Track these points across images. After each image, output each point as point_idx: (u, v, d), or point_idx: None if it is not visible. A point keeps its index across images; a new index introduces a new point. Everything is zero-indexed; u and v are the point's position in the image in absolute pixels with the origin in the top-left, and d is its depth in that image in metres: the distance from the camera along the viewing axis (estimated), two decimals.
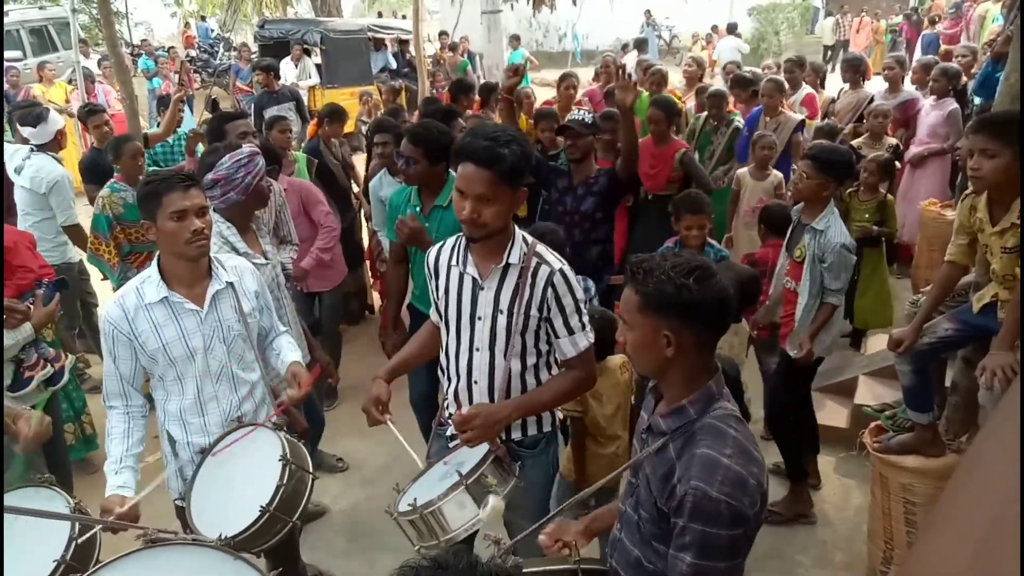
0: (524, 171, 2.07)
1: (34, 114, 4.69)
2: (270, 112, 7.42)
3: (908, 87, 6.68)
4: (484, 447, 2.06)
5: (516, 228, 2.20)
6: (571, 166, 3.95)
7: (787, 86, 6.36)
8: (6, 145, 4.94)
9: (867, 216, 4.77)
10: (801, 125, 5.80)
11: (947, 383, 3.41)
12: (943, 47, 11.90)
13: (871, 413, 3.36)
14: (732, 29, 15.68)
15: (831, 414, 4.34)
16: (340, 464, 4.10)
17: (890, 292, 5.01)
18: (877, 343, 4.95)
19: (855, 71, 6.60)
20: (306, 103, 11.26)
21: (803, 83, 6.66)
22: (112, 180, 4.34)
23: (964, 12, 13.08)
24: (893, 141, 5.58)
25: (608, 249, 4.00)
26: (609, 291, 3.92)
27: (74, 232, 4.69)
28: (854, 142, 5.57)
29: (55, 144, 4.76)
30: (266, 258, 2.96)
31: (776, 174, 5.13)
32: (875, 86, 7.21)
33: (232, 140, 3.56)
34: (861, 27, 18.72)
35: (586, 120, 3.87)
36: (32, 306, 3.09)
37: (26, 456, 2.59)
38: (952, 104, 5.95)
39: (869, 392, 4.37)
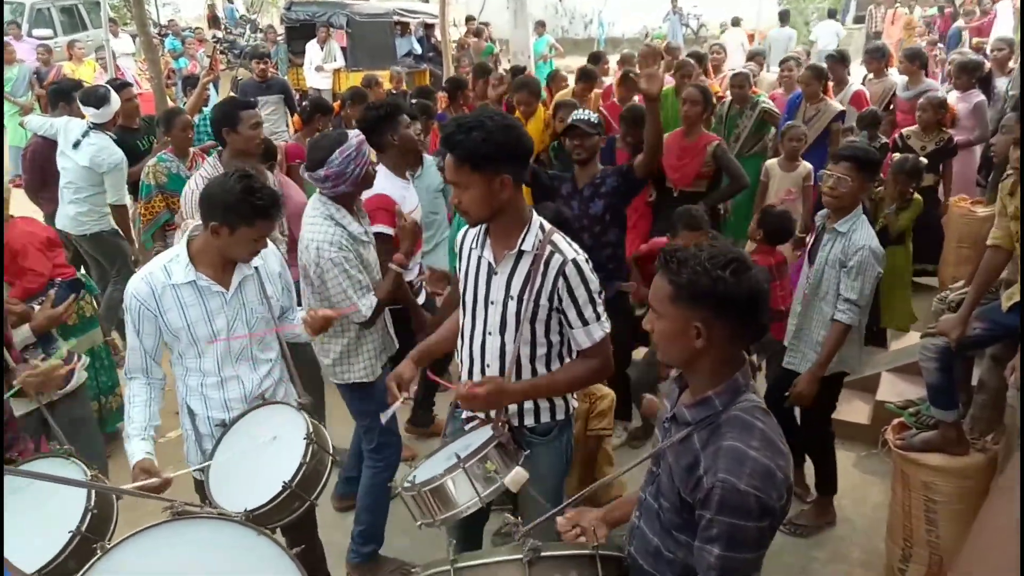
0: (490, 156, 2.01)
1: (98, 95, 4.80)
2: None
3: (927, 78, 6.57)
4: (489, 431, 2.07)
5: (535, 215, 2.19)
6: (575, 168, 3.76)
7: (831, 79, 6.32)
8: (53, 118, 5.10)
9: (901, 223, 4.61)
10: (841, 115, 5.73)
11: (974, 381, 3.36)
12: (974, 40, 11.67)
13: (894, 410, 3.32)
14: (832, 14, 15.32)
15: (852, 410, 4.30)
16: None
17: (910, 294, 4.85)
18: (901, 339, 4.89)
19: (879, 60, 6.52)
20: (331, 86, 11.32)
21: (847, 79, 6.43)
22: (162, 152, 4.48)
23: (988, 6, 12.79)
24: (947, 135, 5.35)
25: (619, 253, 3.81)
26: (617, 298, 3.71)
27: (120, 212, 4.94)
28: (904, 130, 5.43)
29: (111, 123, 4.90)
30: (368, 236, 2.95)
31: (805, 165, 5.05)
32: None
33: (244, 131, 3.55)
34: (895, 19, 18.34)
35: (592, 119, 3.68)
36: (39, 307, 3.08)
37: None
38: (978, 96, 5.85)
39: (892, 389, 4.32)
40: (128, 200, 5.18)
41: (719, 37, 19.30)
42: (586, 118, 3.68)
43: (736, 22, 15.24)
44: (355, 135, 2.86)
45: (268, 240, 2.61)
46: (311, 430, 2.14)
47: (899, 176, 4.45)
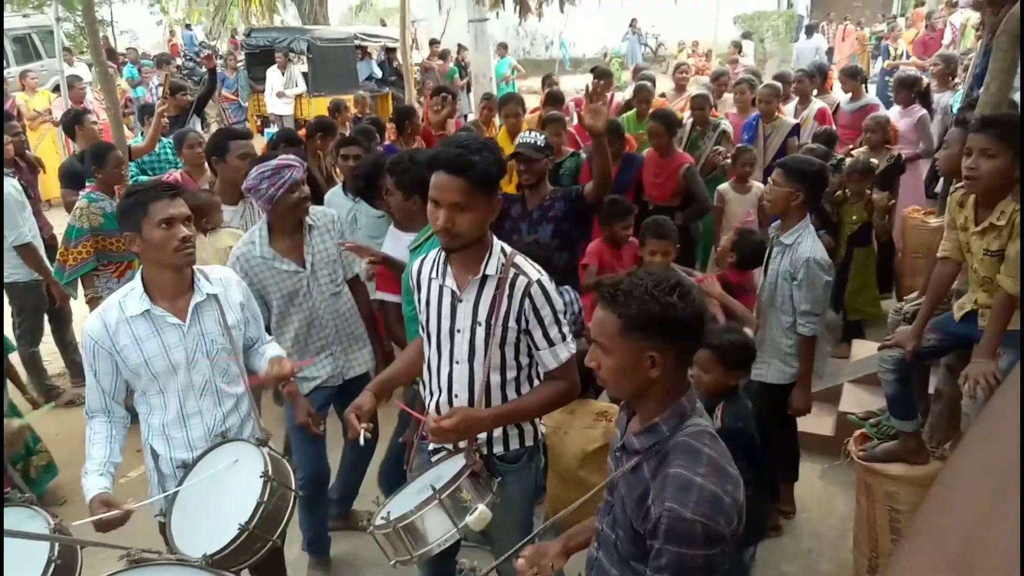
0: (497, 178, 2.09)
1: None
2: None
3: (868, 94, 6.85)
4: (461, 461, 2.05)
5: (494, 239, 2.19)
6: (525, 191, 3.74)
7: (792, 96, 6.59)
8: None
9: (855, 218, 4.91)
10: (796, 129, 5.92)
11: (931, 390, 3.43)
12: (913, 57, 12.11)
13: (855, 421, 3.37)
14: (810, 32, 15.97)
15: (816, 422, 4.34)
16: None
17: (874, 286, 5.14)
18: (862, 350, 4.98)
19: (812, 79, 6.78)
20: (293, 112, 11.28)
21: (812, 97, 6.64)
22: (88, 190, 4.25)
23: (935, 22, 13.26)
24: (895, 151, 5.57)
25: (570, 278, 3.71)
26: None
27: (24, 253, 4.42)
28: (855, 151, 5.62)
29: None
30: (303, 266, 2.97)
31: (758, 185, 5.17)
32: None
33: (233, 161, 3.59)
34: (846, 35, 18.90)
35: (538, 143, 3.66)
36: None
37: None
38: (920, 111, 6.08)
39: (854, 399, 4.39)
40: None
41: (677, 56, 19.76)
42: (531, 142, 3.67)
43: (809, 31, 15.81)
44: (283, 159, 2.91)
45: (232, 271, 2.59)
46: (269, 468, 2.10)
47: (853, 176, 4.82)
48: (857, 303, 5.09)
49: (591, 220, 3.87)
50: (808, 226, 3.20)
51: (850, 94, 6.75)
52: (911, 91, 6.11)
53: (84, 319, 2.37)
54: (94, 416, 2.33)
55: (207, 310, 2.36)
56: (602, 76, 6.85)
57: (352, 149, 4.60)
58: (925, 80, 6.69)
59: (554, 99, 6.62)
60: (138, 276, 2.32)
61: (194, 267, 2.37)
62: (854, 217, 4.90)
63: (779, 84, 6.29)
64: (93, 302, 4.18)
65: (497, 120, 6.50)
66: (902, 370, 2.90)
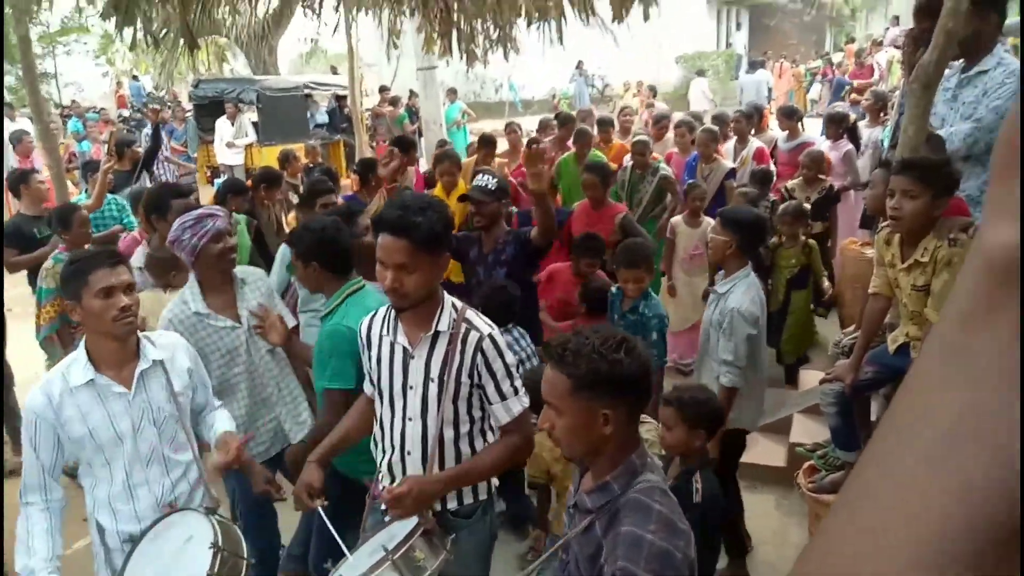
0: (442, 237, 2.10)
1: None
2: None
3: (804, 132, 7.16)
4: (414, 520, 2.05)
5: (445, 295, 2.22)
6: (480, 234, 3.81)
7: (731, 136, 6.86)
8: None
9: (793, 262, 5.02)
10: (732, 173, 6.13)
11: (874, 418, 3.55)
12: (852, 95, 12.75)
13: (803, 453, 3.47)
14: (754, 67, 16.78)
15: (768, 453, 4.44)
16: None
17: (812, 326, 5.25)
18: (810, 379, 5.12)
19: (752, 118, 7.14)
20: (243, 161, 11.23)
21: (750, 137, 6.90)
22: (57, 251, 4.26)
23: (864, 59, 13.98)
24: (828, 183, 5.84)
25: (525, 316, 3.75)
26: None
27: None
28: (788, 184, 5.87)
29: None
30: (239, 321, 2.92)
31: (708, 221, 5.32)
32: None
33: (172, 218, 3.53)
34: (783, 72, 19.72)
35: (490, 187, 3.73)
36: None
37: None
38: (847, 146, 6.42)
39: (803, 430, 4.48)
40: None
41: (623, 96, 20.30)
42: (483, 185, 3.74)
43: (701, 72, 16.31)
44: (206, 209, 2.91)
45: (180, 336, 2.56)
46: (218, 537, 2.07)
47: (785, 219, 4.93)
48: (792, 343, 5.16)
49: (539, 262, 3.95)
50: (745, 277, 3.22)
51: (787, 132, 7.07)
52: (839, 127, 6.45)
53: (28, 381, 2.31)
54: (30, 502, 2.24)
55: (153, 377, 2.33)
56: (565, 122, 7.00)
57: (329, 198, 4.57)
58: (853, 116, 7.03)
59: (486, 142, 6.70)
60: (82, 345, 2.29)
61: (139, 334, 2.35)
62: (792, 261, 4.98)
63: (716, 129, 6.54)
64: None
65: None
66: (843, 403, 3.01)
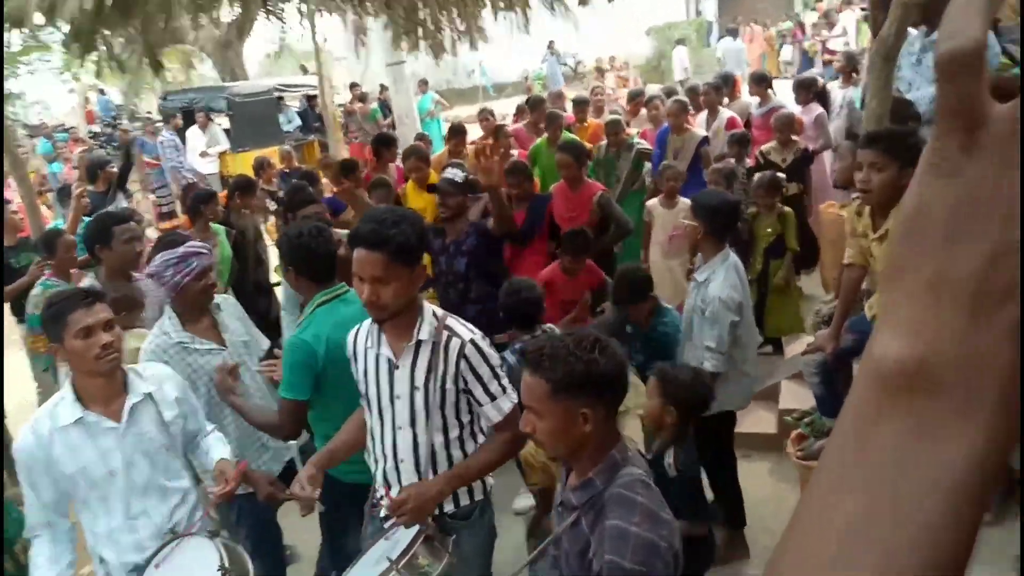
0: (416, 249, 2.14)
1: None
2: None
3: (775, 98, 7.20)
4: (415, 527, 2.09)
5: (424, 303, 2.25)
6: (445, 225, 3.91)
7: (695, 108, 6.83)
8: None
9: (769, 231, 5.07)
10: (705, 140, 6.15)
11: None
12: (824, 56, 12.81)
13: (791, 422, 3.53)
14: (734, 34, 16.97)
15: (759, 421, 4.51)
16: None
17: (798, 300, 5.26)
18: (796, 346, 5.19)
19: (723, 89, 7.18)
20: (218, 169, 11.17)
21: (720, 108, 6.89)
22: (45, 277, 4.27)
23: (832, 19, 13.98)
24: (802, 144, 5.93)
25: (489, 307, 3.72)
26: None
27: None
28: (763, 147, 5.93)
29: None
30: (223, 344, 2.94)
31: (685, 201, 5.32)
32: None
33: (119, 247, 3.52)
34: (754, 37, 19.68)
35: (457, 180, 3.80)
36: None
37: None
38: (817, 109, 6.45)
39: (792, 395, 4.55)
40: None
41: (595, 74, 20.21)
42: (451, 178, 3.82)
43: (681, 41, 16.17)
44: (191, 246, 2.91)
45: (167, 367, 2.59)
46: (224, 560, 2.10)
47: (759, 191, 5.00)
48: (777, 320, 5.16)
49: (502, 252, 4.03)
50: (724, 261, 3.20)
51: (757, 98, 7.10)
52: (808, 92, 6.49)
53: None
54: (36, 535, 2.28)
55: (143, 410, 2.35)
56: (535, 106, 7.01)
57: (311, 208, 4.55)
58: (821, 81, 7.07)
59: (456, 132, 6.70)
60: (68, 383, 2.31)
61: (125, 367, 2.37)
62: (768, 230, 5.04)
63: (685, 99, 6.55)
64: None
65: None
66: (825, 372, 3.07)
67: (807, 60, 13.88)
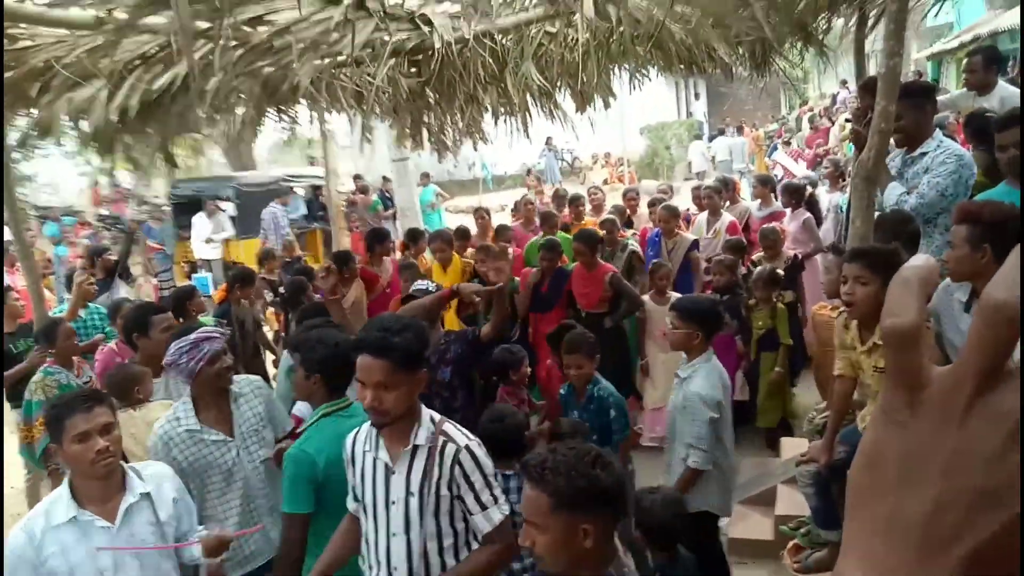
0: (419, 356, 2.19)
1: None
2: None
3: (776, 202, 7.38)
4: None
5: (423, 408, 2.28)
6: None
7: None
8: None
9: (761, 324, 5.23)
10: (695, 244, 6.30)
11: None
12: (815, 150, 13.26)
13: (788, 532, 3.48)
14: (723, 132, 17.59)
15: (755, 526, 4.42)
16: None
17: (786, 389, 5.37)
18: (791, 447, 5.16)
19: (723, 192, 7.27)
20: (221, 255, 11.32)
21: (722, 211, 6.98)
22: (46, 364, 4.31)
23: (817, 124, 14.56)
24: (790, 254, 6.10)
25: (469, 416, 3.71)
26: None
27: None
28: (754, 257, 6.14)
29: None
30: (231, 435, 2.95)
31: (675, 295, 5.45)
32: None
33: (156, 335, 3.63)
34: (745, 136, 20.43)
35: (430, 289, 3.93)
36: None
37: None
38: (804, 214, 6.65)
39: (789, 501, 4.47)
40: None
41: (592, 168, 20.83)
42: (424, 287, 3.95)
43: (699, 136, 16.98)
44: (203, 332, 2.97)
45: (166, 466, 2.59)
46: None
47: (758, 283, 5.25)
48: (767, 407, 5.32)
49: (489, 359, 4.06)
50: (706, 362, 3.25)
51: (759, 200, 7.29)
52: (795, 197, 6.71)
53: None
54: None
55: (139, 511, 2.35)
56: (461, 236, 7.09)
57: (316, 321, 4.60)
58: (810, 189, 7.29)
59: (462, 235, 6.99)
60: (66, 482, 2.31)
61: (125, 465, 2.38)
62: (760, 323, 5.25)
63: (675, 206, 6.74)
64: (53, 474, 4.13)
65: (427, 255, 6.73)
66: (820, 483, 3.06)
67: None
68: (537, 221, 7.22)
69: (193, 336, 2.94)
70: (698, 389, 3.15)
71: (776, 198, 7.41)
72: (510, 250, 5.61)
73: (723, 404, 3.19)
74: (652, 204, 7.24)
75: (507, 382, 4.20)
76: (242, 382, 3.13)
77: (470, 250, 6.73)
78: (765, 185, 7.30)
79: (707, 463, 3.11)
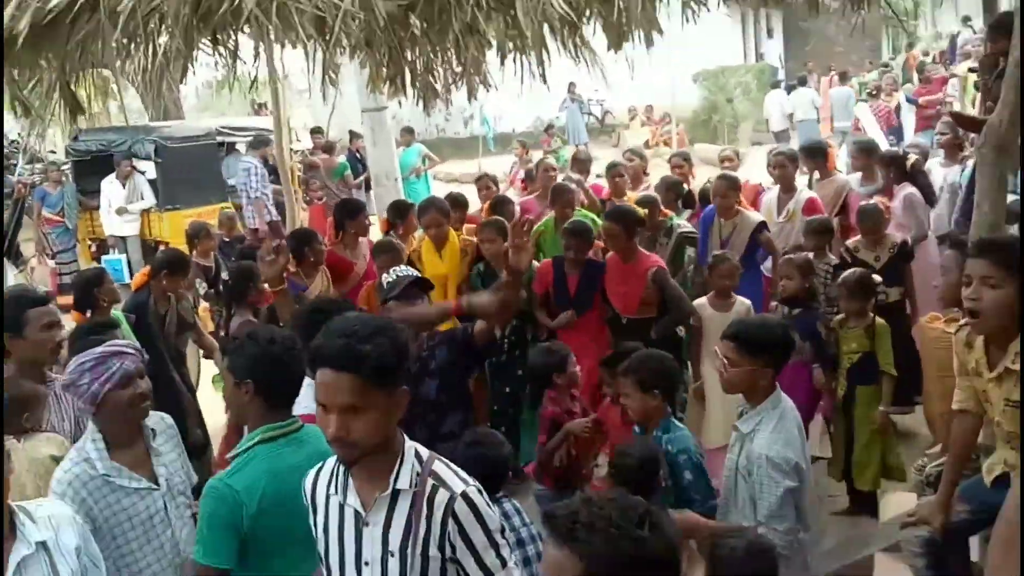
0: (397, 367, 2.14)
1: None
2: None
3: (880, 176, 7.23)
4: None
5: (406, 441, 2.25)
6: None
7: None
8: None
9: (854, 346, 5.04)
10: (763, 226, 6.20)
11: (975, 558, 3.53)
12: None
13: None
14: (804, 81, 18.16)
15: None
16: None
17: (895, 443, 5.16)
18: (893, 505, 5.10)
19: (815, 159, 7.17)
20: (139, 232, 11.31)
21: (797, 186, 6.87)
22: None
23: (928, 74, 14.47)
24: (898, 238, 5.97)
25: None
26: None
27: None
28: (849, 242, 6.02)
29: None
30: (156, 483, 2.95)
31: (742, 302, 5.36)
32: None
33: (34, 335, 3.60)
34: (832, 85, 20.31)
35: (413, 276, 3.91)
36: None
37: None
38: (907, 189, 6.54)
39: (888, 573, 4.46)
40: None
41: (629, 126, 20.75)
42: (405, 275, 3.86)
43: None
44: (112, 345, 2.96)
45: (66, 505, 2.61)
46: None
47: (844, 292, 5.01)
48: (865, 462, 5.02)
49: (483, 365, 4.08)
50: (773, 408, 3.15)
51: (859, 174, 7.16)
52: (896, 168, 6.66)
53: None
54: None
55: (33, 564, 2.37)
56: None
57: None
58: (913, 157, 7.14)
59: (456, 204, 6.85)
60: None
61: (14, 506, 2.41)
62: (853, 345, 4.99)
63: (735, 176, 6.66)
64: None
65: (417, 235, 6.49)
66: (933, 552, 3.01)
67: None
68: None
69: (100, 350, 2.91)
70: (765, 451, 3.03)
71: (881, 172, 7.16)
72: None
73: (802, 467, 3.08)
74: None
75: (551, 386, 4.32)
76: (153, 418, 3.12)
77: (467, 226, 6.63)
78: (868, 154, 7.17)
79: (791, 544, 2.98)
